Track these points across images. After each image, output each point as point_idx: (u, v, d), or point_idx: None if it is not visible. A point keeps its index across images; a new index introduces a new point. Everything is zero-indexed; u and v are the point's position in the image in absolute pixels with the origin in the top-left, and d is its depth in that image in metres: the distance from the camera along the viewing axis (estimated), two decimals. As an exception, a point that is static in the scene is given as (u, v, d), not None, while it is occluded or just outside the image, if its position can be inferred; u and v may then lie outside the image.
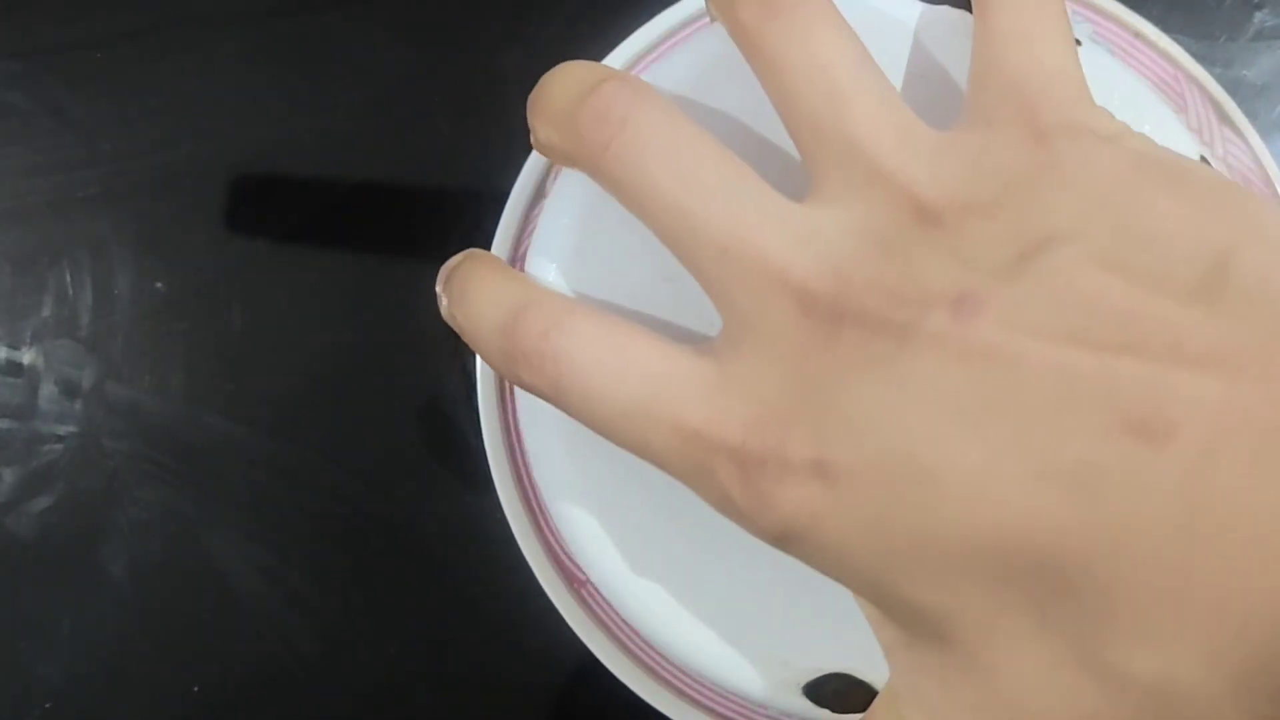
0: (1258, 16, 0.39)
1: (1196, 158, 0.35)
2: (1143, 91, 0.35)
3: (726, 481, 0.22)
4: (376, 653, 0.39)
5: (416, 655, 0.39)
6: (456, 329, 0.26)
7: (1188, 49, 0.35)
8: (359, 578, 0.39)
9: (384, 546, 0.39)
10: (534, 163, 0.35)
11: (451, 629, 0.39)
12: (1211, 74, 0.35)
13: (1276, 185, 0.34)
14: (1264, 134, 0.38)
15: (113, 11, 0.41)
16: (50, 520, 0.39)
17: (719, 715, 0.34)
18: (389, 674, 0.39)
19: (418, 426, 0.39)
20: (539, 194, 0.36)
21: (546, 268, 0.30)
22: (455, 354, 0.39)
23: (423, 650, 0.39)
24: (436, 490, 0.39)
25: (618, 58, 0.36)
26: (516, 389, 0.35)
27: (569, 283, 0.30)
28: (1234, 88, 0.39)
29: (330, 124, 0.41)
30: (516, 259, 0.35)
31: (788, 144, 0.32)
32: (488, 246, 0.36)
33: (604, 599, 0.35)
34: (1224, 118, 0.34)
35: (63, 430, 0.40)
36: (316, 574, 0.39)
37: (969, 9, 0.28)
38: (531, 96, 0.26)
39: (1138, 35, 0.34)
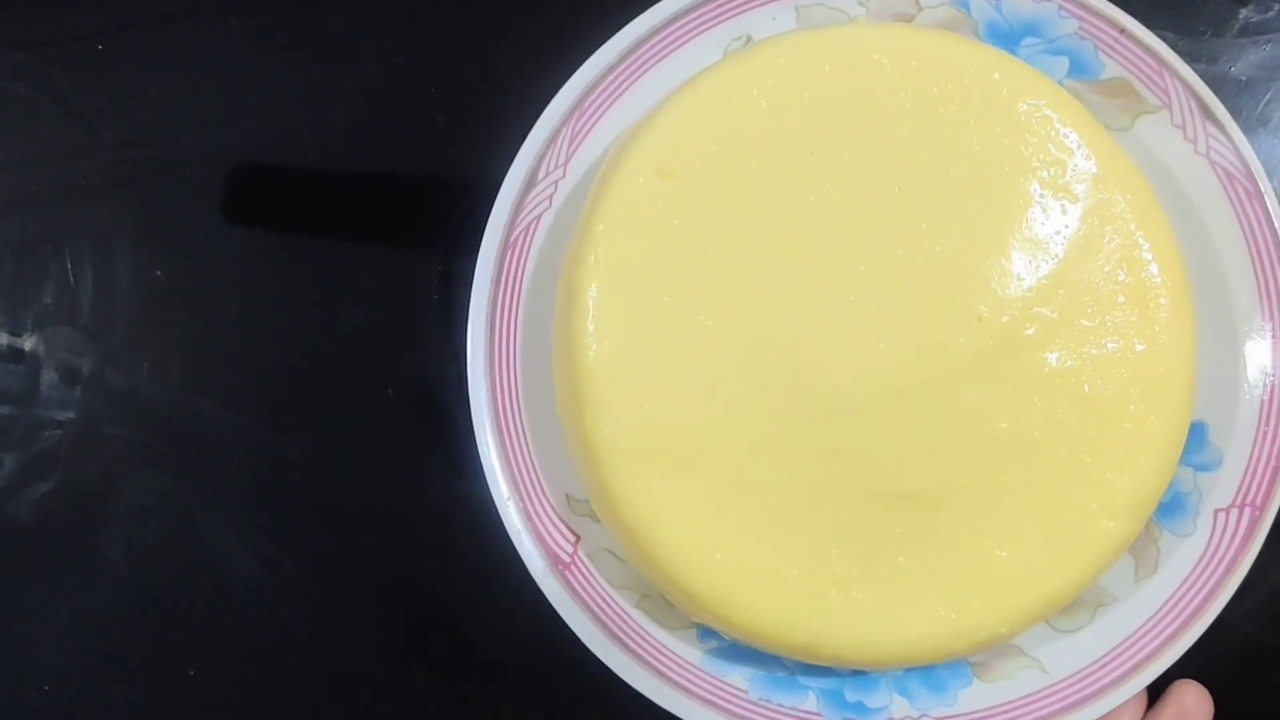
0: (1242, 12, 0.39)
1: (1185, 155, 0.35)
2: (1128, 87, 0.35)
3: None
4: (369, 637, 0.39)
5: (409, 640, 0.39)
6: None
7: (1173, 45, 0.36)
8: (352, 563, 0.39)
9: (377, 532, 0.39)
10: (526, 154, 0.36)
11: (444, 614, 0.39)
12: (1196, 69, 0.35)
13: (1260, 181, 0.35)
14: (1249, 129, 0.39)
15: (116, 3, 0.41)
16: (50, 505, 0.40)
17: (698, 697, 0.35)
18: (381, 658, 0.39)
19: (411, 414, 0.40)
20: (530, 182, 0.36)
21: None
22: (448, 341, 0.39)
23: (415, 635, 0.39)
24: (429, 477, 0.39)
25: (610, 51, 0.36)
26: (504, 376, 0.36)
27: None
28: (1219, 83, 0.39)
29: (328, 115, 0.41)
30: (509, 244, 0.36)
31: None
32: (479, 235, 0.36)
33: (588, 580, 0.35)
34: (1208, 113, 0.35)
35: (63, 416, 0.40)
36: (310, 560, 0.39)
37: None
38: None
39: (1123, 31, 0.35)
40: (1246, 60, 0.39)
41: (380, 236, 0.41)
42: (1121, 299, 0.32)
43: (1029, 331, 0.32)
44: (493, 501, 0.35)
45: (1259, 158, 0.36)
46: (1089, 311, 0.32)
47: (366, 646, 0.39)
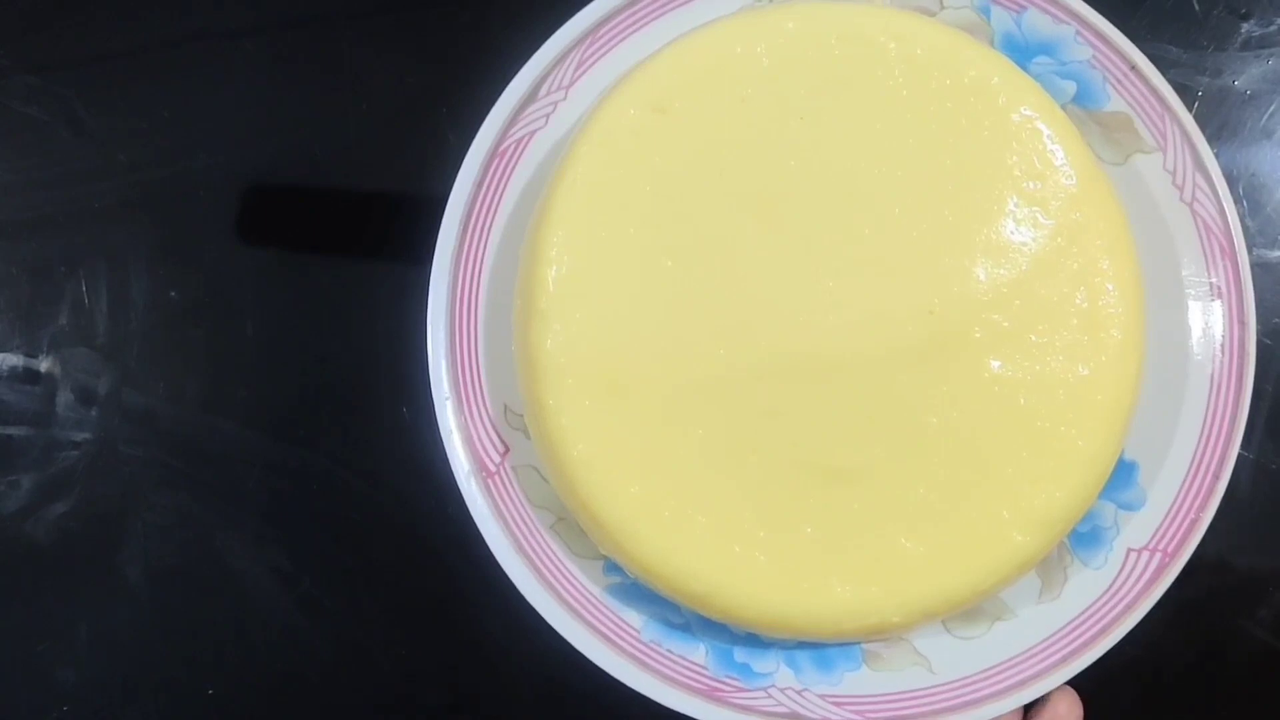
0: (1245, 27, 0.40)
1: (1170, 201, 0.35)
2: (1129, 123, 0.36)
3: None
4: (387, 654, 0.39)
5: (428, 656, 0.39)
6: None
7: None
8: (370, 580, 0.39)
9: (394, 549, 0.40)
10: (530, 69, 0.36)
11: (463, 631, 0.39)
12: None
13: (1235, 239, 0.35)
14: (1252, 141, 0.39)
15: (128, 26, 0.42)
16: (68, 526, 0.40)
17: (591, 627, 0.35)
18: (401, 675, 0.39)
19: (426, 430, 0.40)
20: (530, 98, 0.36)
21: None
22: (466, 359, 0.39)
23: (434, 653, 0.39)
24: (445, 493, 0.39)
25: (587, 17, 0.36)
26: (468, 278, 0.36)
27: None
28: (1222, 96, 0.40)
29: (340, 133, 0.41)
30: (497, 153, 0.36)
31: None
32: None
33: (509, 493, 0.35)
34: (1199, 164, 0.35)
35: (79, 437, 0.40)
36: (329, 577, 0.40)
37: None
38: None
39: (1134, 68, 0.35)
40: (1250, 74, 0.40)
41: (392, 253, 0.41)
42: (1075, 321, 0.33)
43: (977, 334, 0.32)
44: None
45: (1263, 170, 0.37)
46: (1040, 327, 0.33)
47: (387, 663, 0.39)
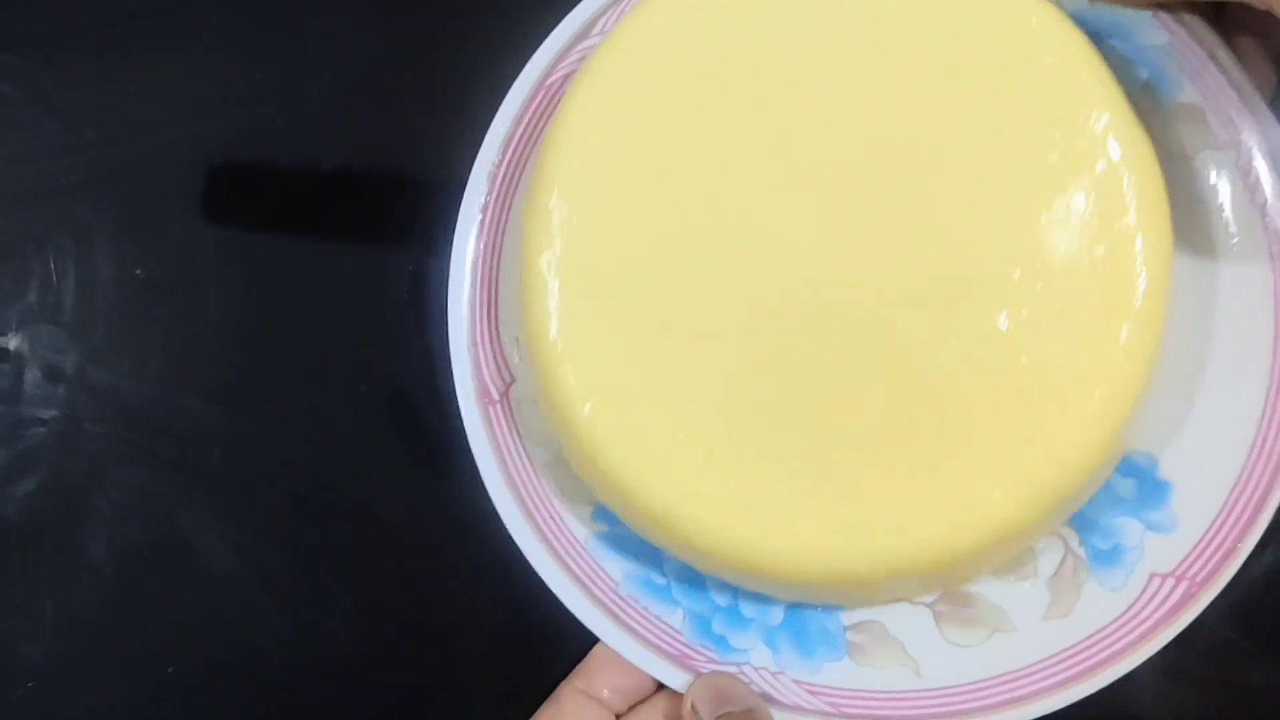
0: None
1: (1238, 202, 0.33)
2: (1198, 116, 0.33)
3: None
4: (348, 632, 0.39)
5: (387, 634, 0.39)
6: None
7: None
8: (331, 559, 0.39)
9: (355, 528, 0.39)
10: (587, 6, 0.36)
11: (420, 608, 0.39)
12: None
13: None
14: None
15: (94, 1, 0.42)
16: (33, 503, 0.40)
17: (571, 573, 0.34)
18: (360, 653, 0.39)
19: (387, 409, 0.39)
20: (584, 34, 0.36)
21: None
22: (421, 336, 0.39)
23: (393, 629, 0.39)
24: (405, 472, 0.39)
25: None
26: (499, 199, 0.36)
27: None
28: None
29: (305, 110, 0.41)
30: (543, 86, 0.36)
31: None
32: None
33: (507, 424, 0.35)
34: (1277, 166, 0.32)
35: (46, 414, 0.40)
36: (290, 555, 0.39)
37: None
38: None
39: (1212, 57, 0.32)
40: None
41: (356, 231, 0.40)
42: (1095, 284, 0.30)
43: (989, 284, 0.31)
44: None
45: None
46: (1057, 284, 0.30)
47: (347, 641, 0.39)
